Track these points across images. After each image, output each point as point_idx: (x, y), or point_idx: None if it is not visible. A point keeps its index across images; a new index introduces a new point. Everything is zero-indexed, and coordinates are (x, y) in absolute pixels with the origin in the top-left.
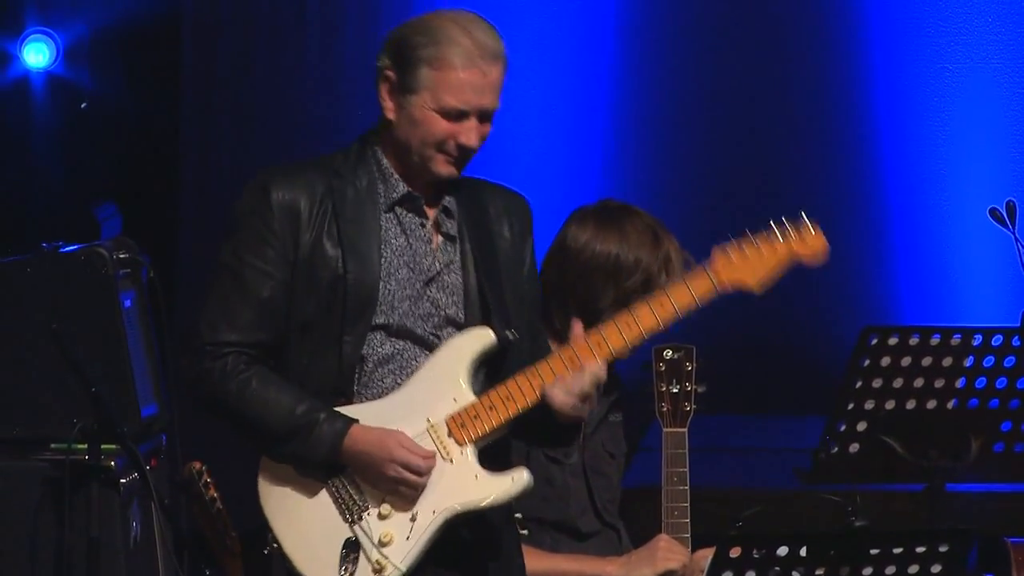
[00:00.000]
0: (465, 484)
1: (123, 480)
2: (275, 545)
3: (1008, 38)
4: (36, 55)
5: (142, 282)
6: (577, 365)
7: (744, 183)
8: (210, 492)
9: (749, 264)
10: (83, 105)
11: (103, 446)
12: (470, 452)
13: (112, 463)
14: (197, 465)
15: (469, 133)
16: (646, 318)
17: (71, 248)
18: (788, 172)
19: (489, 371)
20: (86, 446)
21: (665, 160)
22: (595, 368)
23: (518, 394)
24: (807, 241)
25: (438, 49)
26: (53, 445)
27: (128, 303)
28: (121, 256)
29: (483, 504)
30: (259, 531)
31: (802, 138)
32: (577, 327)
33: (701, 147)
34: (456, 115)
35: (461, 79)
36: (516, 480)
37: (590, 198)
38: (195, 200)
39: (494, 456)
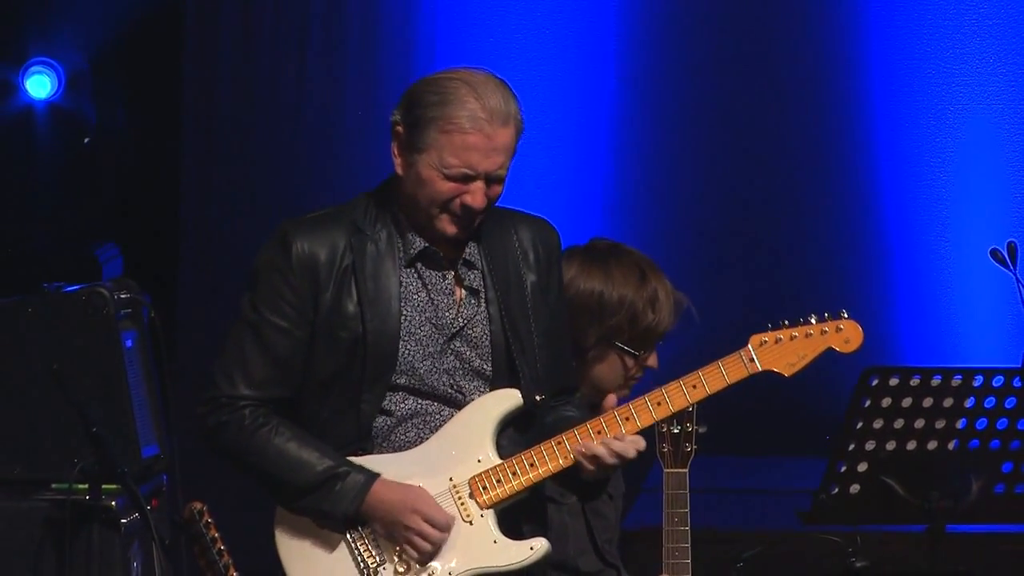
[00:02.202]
0: (484, 548)
1: (124, 520)
2: None
3: (1008, 79)
4: (38, 86)
5: (143, 322)
6: (603, 437)
7: (742, 223)
8: (211, 532)
9: (784, 352)
10: (86, 140)
11: (104, 486)
12: (490, 516)
13: (113, 503)
14: (198, 505)
15: (475, 195)
16: (676, 397)
17: (72, 288)
18: (789, 213)
19: (517, 429)
20: (87, 486)
21: (665, 199)
22: (637, 440)
23: (542, 462)
24: (844, 334)
25: (445, 110)
26: (54, 485)
27: (129, 343)
28: (122, 296)
29: (499, 569)
30: (265, 571)
31: (803, 178)
32: (611, 399)
33: (702, 185)
34: (461, 177)
35: (467, 142)
36: (535, 549)
37: (590, 236)
38: (196, 239)
39: (525, 513)
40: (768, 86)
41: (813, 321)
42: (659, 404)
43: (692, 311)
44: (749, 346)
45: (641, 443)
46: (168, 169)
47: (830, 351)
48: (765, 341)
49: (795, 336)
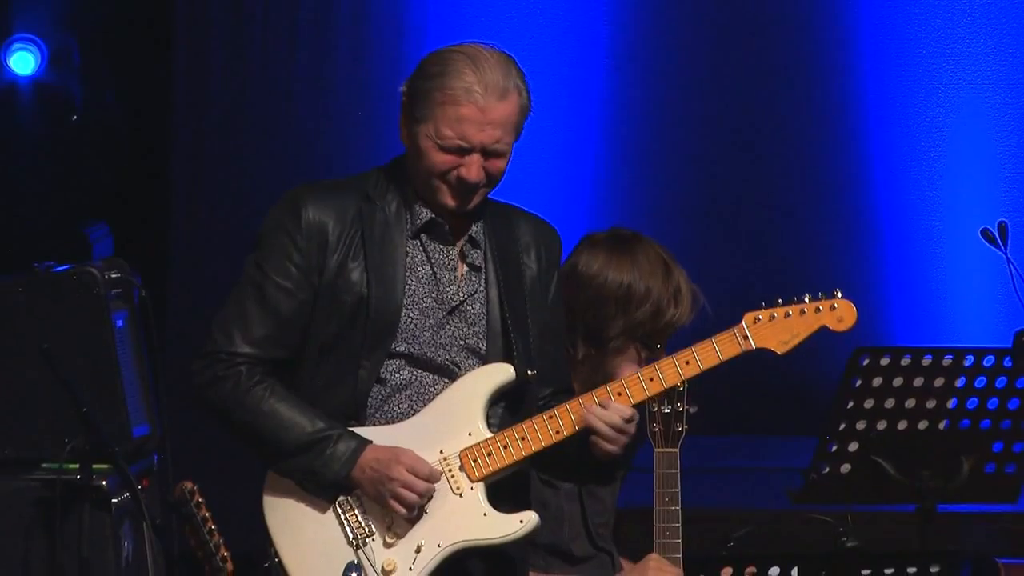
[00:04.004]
0: (473, 520)
1: (114, 500)
2: (276, 560)
3: (1000, 58)
4: (21, 63)
5: (134, 302)
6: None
7: (733, 204)
8: (202, 512)
9: (777, 330)
10: (74, 118)
11: (95, 466)
12: (480, 489)
13: (103, 483)
14: (188, 485)
15: (470, 168)
16: (669, 373)
17: (63, 268)
18: (779, 192)
19: (508, 405)
20: (77, 466)
21: (655, 180)
22: (622, 409)
23: (533, 436)
24: (838, 313)
25: (442, 81)
26: (44, 465)
27: (120, 323)
28: (113, 276)
29: (489, 543)
30: (256, 550)
31: (793, 156)
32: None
33: (691, 165)
34: (455, 149)
35: (460, 113)
36: (525, 522)
37: (581, 220)
38: (187, 220)
39: (509, 490)
40: (758, 67)
41: (807, 299)
42: (651, 380)
43: (706, 306)
44: (743, 323)
45: (626, 411)
46: (158, 147)
47: (824, 329)
48: (759, 318)
49: (789, 314)
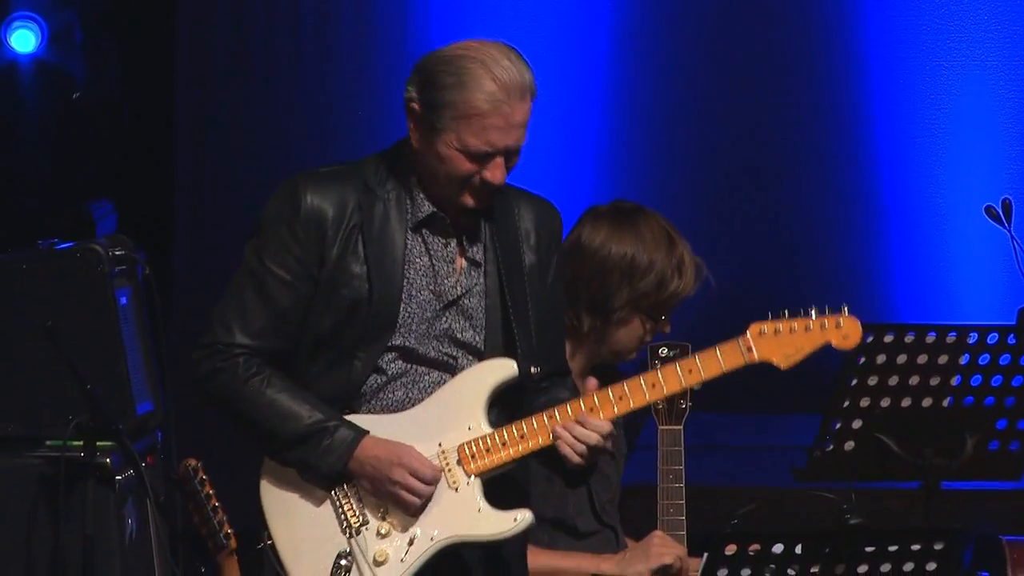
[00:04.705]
0: (467, 515)
1: (118, 477)
2: (269, 542)
3: (1005, 36)
4: (22, 40)
5: (138, 279)
6: (597, 414)
7: (738, 183)
8: (206, 489)
9: (781, 344)
10: (75, 95)
11: (98, 443)
12: (476, 484)
13: (107, 460)
14: (192, 462)
15: (494, 171)
16: (672, 380)
17: (66, 245)
18: (783, 170)
19: (508, 402)
20: (81, 443)
21: (660, 159)
22: (600, 425)
23: (532, 434)
24: (843, 331)
25: (463, 92)
26: (48, 442)
27: (124, 300)
28: (117, 253)
29: (482, 539)
30: (256, 526)
31: (797, 136)
32: (591, 382)
33: (695, 142)
34: (481, 156)
35: (486, 124)
36: (519, 520)
37: (583, 198)
38: (191, 196)
39: (506, 486)
40: (761, 45)
41: (813, 315)
42: (654, 386)
43: (710, 278)
44: (748, 334)
45: (606, 427)
46: (161, 124)
47: (828, 346)
48: (764, 331)
49: (794, 329)
